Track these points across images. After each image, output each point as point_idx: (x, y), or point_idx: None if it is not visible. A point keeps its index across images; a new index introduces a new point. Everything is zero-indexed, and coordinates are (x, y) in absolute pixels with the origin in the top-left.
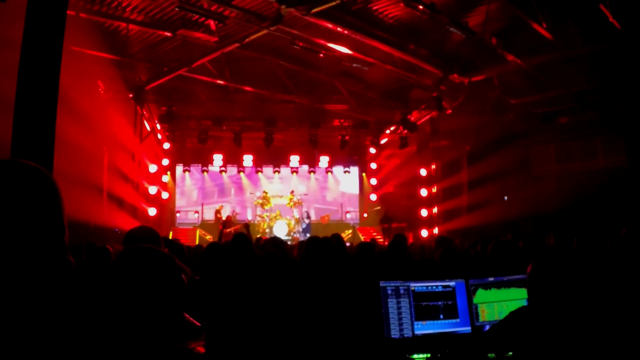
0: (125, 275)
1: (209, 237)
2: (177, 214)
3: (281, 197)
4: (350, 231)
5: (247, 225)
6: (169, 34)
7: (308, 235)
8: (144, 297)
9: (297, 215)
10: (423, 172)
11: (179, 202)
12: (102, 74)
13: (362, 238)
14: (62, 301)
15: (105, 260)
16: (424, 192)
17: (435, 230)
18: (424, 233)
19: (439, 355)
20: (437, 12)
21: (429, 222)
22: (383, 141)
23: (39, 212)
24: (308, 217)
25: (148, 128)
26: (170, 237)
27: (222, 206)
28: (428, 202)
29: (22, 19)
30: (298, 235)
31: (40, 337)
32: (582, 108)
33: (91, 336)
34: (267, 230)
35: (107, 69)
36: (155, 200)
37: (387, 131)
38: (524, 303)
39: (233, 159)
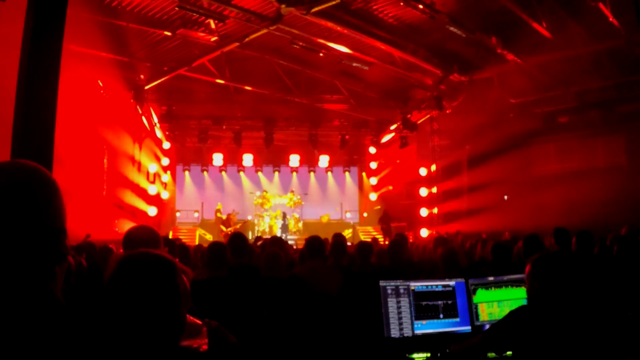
0: (125, 284)
1: (209, 237)
2: (177, 214)
3: (281, 196)
4: (350, 231)
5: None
6: (169, 33)
7: (285, 234)
8: (145, 304)
9: (297, 215)
10: (423, 171)
11: (179, 202)
12: (102, 74)
13: (362, 237)
14: (59, 302)
15: (107, 260)
16: (423, 192)
17: (435, 230)
18: (424, 233)
19: (438, 354)
20: (437, 12)
21: (428, 222)
22: (383, 140)
23: (36, 213)
24: (284, 217)
25: (148, 128)
26: (171, 237)
27: (222, 205)
28: (428, 202)
29: (22, 18)
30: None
31: (37, 339)
32: (582, 108)
33: (91, 340)
34: (267, 230)
35: (107, 68)
36: (155, 200)
37: (387, 131)
38: (524, 303)
39: (233, 159)
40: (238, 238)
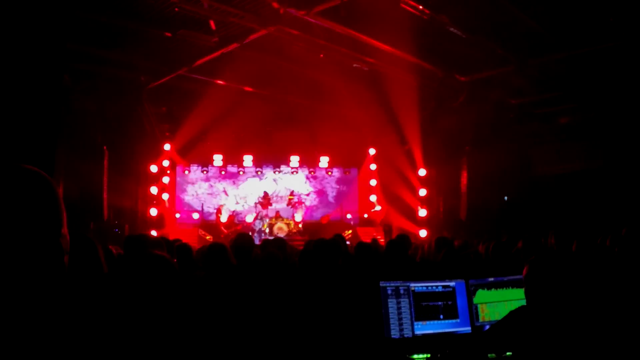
0: (137, 281)
1: (209, 237)
2: (177, 214)
3: (281, 197)
4: (350, 231)
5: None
6: (168, 34)
7: (263, 236)
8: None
9: (297, 216)
10: (422, 172)
11: (179, 202)
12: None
13: (362, 238)
14: (58, 303)
15: (109, 262)
16: (423, 192)
17: (434, 231)
18: (423, 233)
19: (439, 355)
20: (437, 12)
21: (428, 222)
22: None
23: (36, 216)
24: (263, 217)
25: (148, 128)
26: (171, 238)
27: (222, 206)
28: (428, 202)
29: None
30: (298, 235)
31: (36, 338)
32: (582, 108)
33: (90, 337)
34: (267, 231)
35: (107, 68)
36: (155, 201)
37: (387, 130)
38: (524, 303)
39: (233, 159)
40: (243, 238)
